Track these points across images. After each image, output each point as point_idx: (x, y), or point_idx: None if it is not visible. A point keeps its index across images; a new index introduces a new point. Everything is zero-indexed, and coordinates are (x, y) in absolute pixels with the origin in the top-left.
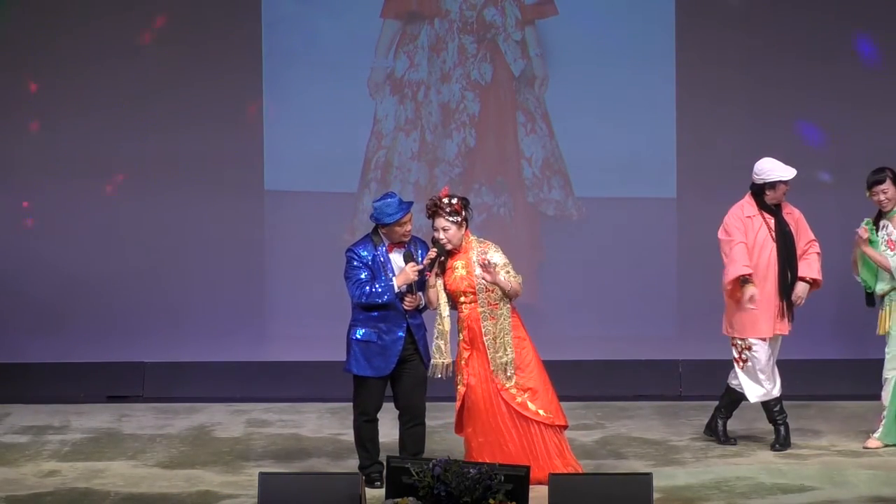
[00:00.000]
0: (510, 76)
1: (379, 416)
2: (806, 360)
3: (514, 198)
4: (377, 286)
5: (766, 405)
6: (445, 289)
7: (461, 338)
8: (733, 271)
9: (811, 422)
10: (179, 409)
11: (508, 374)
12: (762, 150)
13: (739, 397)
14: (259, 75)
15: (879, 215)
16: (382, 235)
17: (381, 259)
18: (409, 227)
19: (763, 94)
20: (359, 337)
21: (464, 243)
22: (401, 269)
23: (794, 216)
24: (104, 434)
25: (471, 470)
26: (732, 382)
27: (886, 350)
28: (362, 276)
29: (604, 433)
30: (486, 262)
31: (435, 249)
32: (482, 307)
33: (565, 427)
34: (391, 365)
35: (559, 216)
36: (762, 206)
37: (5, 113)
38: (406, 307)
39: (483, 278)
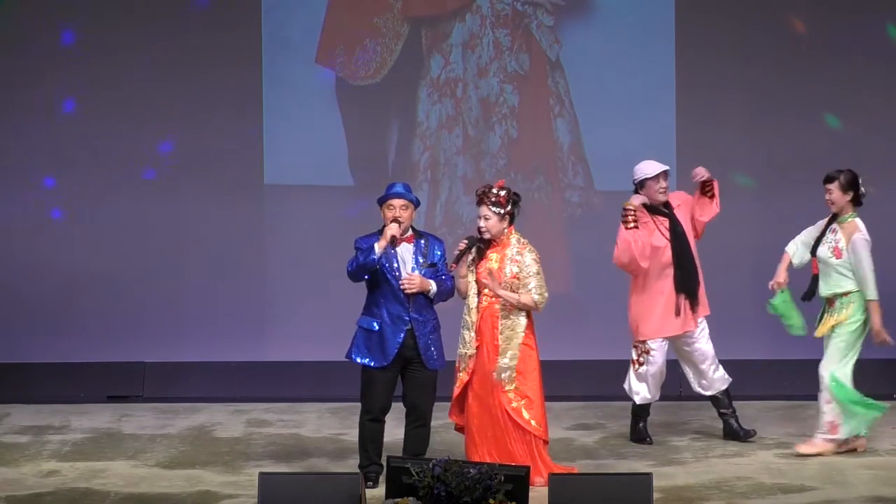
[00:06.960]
0: (545, 62)
1: (385, 418)
2: (805, 360)
3: (553, 185)
4: (360, 255)
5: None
6: (475, 278)
7: (474, 327)
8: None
9: (811, 422)
10: (179, 409)
11: (508, 378)
12: (762, 148)
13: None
14: (258, 68)
15: (833, 218)
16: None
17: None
18: (397, 214)
19: (764, 92)
20: (362, 324)
21: (504, 238)
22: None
23: (684, 205)
24: (104, 434)
25: (471, 470)
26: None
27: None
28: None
29: (604, 433)
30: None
31: (465, 241)
32: (501, 305)
33: (546, 442)
34: (388, 358)
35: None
36: (649, 208)
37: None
38: (404, 288)
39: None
